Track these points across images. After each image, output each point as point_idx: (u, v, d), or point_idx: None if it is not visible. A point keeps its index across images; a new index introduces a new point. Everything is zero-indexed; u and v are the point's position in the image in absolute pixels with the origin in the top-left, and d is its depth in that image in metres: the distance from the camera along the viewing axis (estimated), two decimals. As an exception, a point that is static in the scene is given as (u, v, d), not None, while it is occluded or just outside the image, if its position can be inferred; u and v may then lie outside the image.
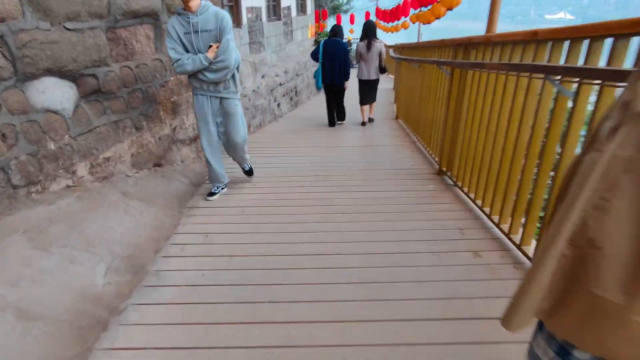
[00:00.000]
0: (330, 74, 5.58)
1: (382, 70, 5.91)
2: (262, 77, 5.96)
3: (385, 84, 11.01)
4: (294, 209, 2.88)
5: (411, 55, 5.60)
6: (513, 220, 2.18)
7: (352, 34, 20.53)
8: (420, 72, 4.58)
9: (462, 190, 2.96)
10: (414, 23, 10.80)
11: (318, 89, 5.89)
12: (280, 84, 6.96)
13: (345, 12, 21.81)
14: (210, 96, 2.84)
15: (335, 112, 5.98)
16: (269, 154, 4.40)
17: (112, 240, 2.18)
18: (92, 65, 2.56)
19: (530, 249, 2.05)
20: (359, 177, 3.52)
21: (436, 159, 3.69)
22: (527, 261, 2.06)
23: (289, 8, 8.60)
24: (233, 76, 2.84)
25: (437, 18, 9.65)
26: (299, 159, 4.13)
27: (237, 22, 5.99)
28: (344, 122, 6.11)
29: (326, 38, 5.79)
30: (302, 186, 3.34)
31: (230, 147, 3.10)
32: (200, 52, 2.68)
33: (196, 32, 2.63)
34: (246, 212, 2.84)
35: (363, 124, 6.04)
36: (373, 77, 5.82)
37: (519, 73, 2.06)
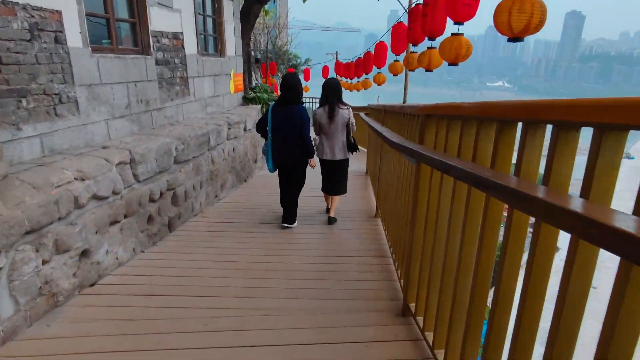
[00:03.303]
0: (281, 151, 3.85)
1: (352, 147, 4.15)
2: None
3: (354, 163, 7.14)
4: None
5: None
6: None
7: (307, 92, 17.28)
8: None
9: None
10: (395, 74, 7.23)
11: (270, 171, 4.05)
12: (100, 198, 2.70)
13: (296, 67, 18.71)
14: None
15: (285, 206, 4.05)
16: None
17: None
18: None
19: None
20: None
21: None
22: None
23: (176, 36, 4.64)
24: None
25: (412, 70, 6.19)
26: None
27: None
28: (292, 225, 4.00)
29: (274, 102, 4.02)
30: None
31: None
32: None
33: None
34: None
35: (329, 220, 4.15)
36: (339, 156, 4.08)
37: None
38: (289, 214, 3.99)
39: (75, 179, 2.52)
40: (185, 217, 4.09)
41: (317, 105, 4.21)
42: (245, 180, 6.18)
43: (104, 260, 2.77)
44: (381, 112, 4.39)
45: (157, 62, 4.28)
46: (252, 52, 16.25)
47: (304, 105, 3.99)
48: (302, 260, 3.19)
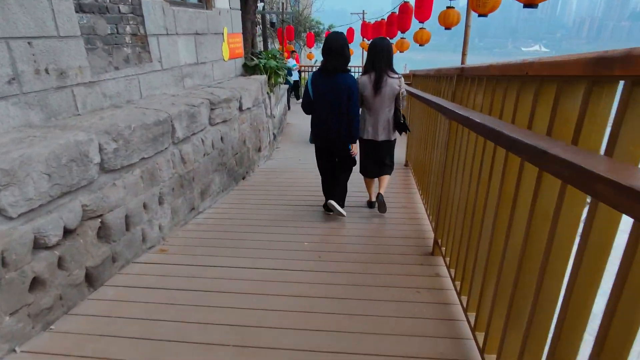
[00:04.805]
0: (323, 129, 3.19)
1: (401, 127, 3.27)
2: None
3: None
4: None
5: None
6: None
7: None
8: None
9: None
10: (449, 26, 5.27)
11: (311, 142, 3.40)
12: None
13: (318, 35, 16.48)
14: None
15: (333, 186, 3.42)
16: None
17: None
18: None
19: None
20: None
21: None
22: None
23: (117, -31, 2.99)
24: None
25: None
26: None
27: None
28: (338, 209, 3.27)
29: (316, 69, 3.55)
30: None
31: None
32: None
33: None
34: None
35: (370, 204, 3.58)
36: (382, 137, 3.27)
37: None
38: (337, 198, 3.31)
39: None
40: (127, 257, 2.59)
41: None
42: (243, 178, 4.63)
43: None
44: (447, 80, 2.64)
45: (82, 8, 2.68)
46: (267, 15, 14.30)
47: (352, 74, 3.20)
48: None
